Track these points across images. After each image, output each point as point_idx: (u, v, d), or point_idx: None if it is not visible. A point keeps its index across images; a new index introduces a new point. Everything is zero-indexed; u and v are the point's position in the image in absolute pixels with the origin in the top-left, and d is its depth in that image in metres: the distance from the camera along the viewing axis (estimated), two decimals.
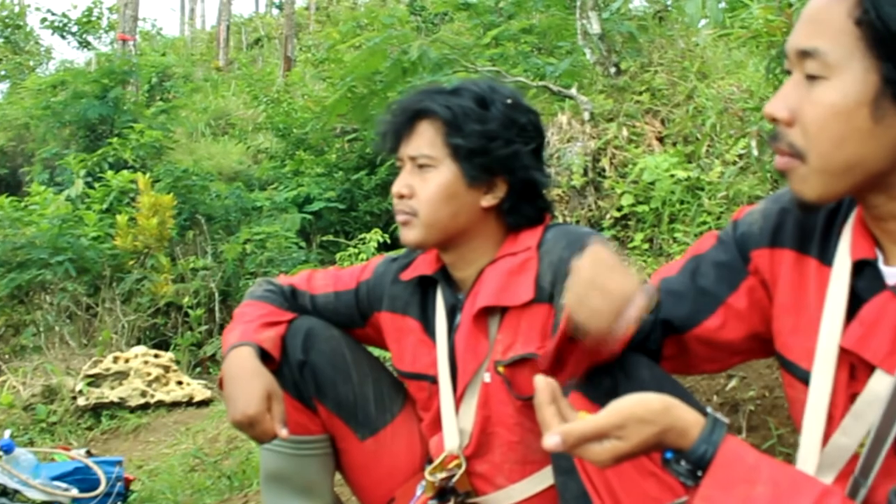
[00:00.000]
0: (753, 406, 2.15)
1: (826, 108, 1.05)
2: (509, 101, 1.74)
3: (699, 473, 1.05)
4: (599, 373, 1.35)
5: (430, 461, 1.83)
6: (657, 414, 1.06)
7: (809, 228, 1.26)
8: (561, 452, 1.42)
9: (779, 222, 1.31)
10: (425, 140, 1.74)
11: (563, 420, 1.09)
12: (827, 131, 1.06)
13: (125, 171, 7.39)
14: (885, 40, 1.01)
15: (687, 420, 1.07)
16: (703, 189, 3.19)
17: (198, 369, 5.85)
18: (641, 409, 1.06)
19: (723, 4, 4.27)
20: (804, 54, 1.07)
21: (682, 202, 3.22)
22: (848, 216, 1.21)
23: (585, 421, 1.07)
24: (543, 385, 1.12)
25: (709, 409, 1.10)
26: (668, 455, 1.09)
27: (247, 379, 1.68)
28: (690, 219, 3.15)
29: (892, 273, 1.13)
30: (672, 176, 3.24)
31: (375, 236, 6.09)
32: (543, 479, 1.71)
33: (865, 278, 1.16)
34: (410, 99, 1.78)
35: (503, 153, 1.71)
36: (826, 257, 1.22)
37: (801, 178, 1.10)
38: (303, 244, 7.27)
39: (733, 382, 2.23)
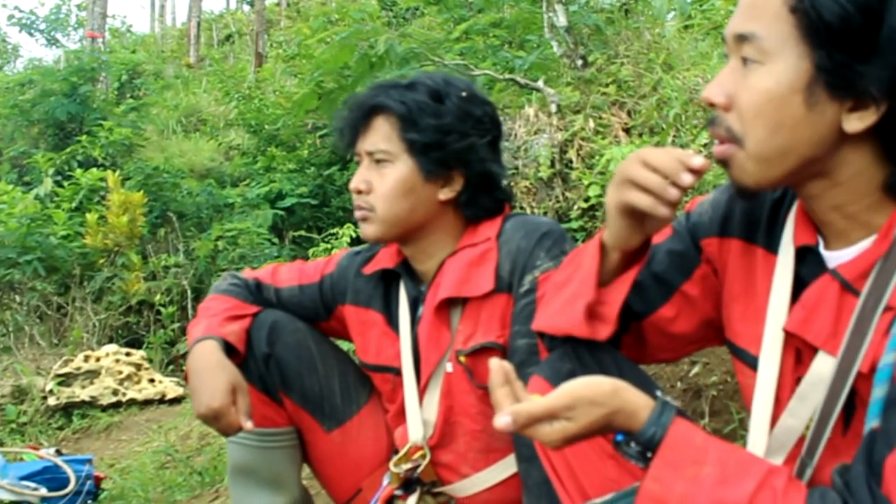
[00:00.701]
0: (716, 391, 2.19)
1: (761, 94, 1.07)
2: (464, 93, 1.75)
3: (649, 455, 1.07)
4: (561, 357, 1.37)
5: (397, 452, 1.84)
6: (606, 396, 1.08)
7: (756, 218, 1.29)
8: (522, 440, 1.46)
9: (727, 212, 1.33)
10: (381, 135, 1.75)
11: (515, 401, 1.10)
12: (762, 117, 1.08)
13: (94, 170, 7.33)
14: (817, 28, 1.02)
15: (636, 403, 1.09)
16: None
17: (171, 367, 5.82)
18: (591, 391, 1.08)
19: None
20: (741, 38, 1.09)
21: None
22: (792, 205, 1.24)
23: (536, 402, 1.09)
24: (497, 367, 1.13)
25: (658, 393, 1.12)
26: (619, 437, 1.11)
27: (211, 372, 1.69)
28: None
29: (832, 257, 1.15)
30: None
31: (348, 231, 6.08)
32: (507, 466, 1.73)
33: (808, 264, 1.19)
34: (366, 94, 1.79)
35: (459, 146, 1.72)
36: (772, 246, 1.25)
37: (740, 165, 1.12)
38: (275, 240, 7.24)
39: (696, 368, 2.26)
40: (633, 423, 1.08)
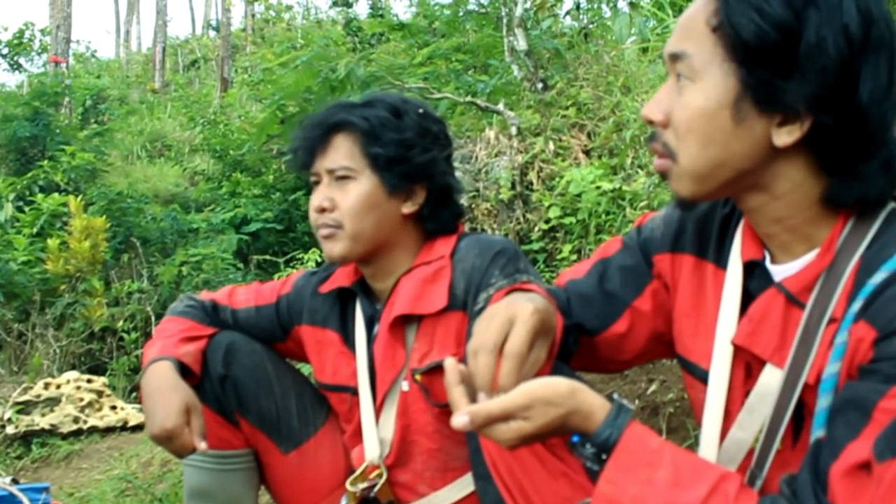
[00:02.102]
0: (673, 408, 2.20)
1: (692, 110, 1.10)
2: (420, 110, 1.78)
3: (603, 457, 1.08)
4: None
5: (354, 472, 1.83)
6: (563, 397, 1.08)
7: (707, 234, 1.31)
8: (478, 458, 1.46)
9: (679, 228, 1.36)
10: (343, 152, 1.75)
11: (472, 401, 1.11)
12: (693, 132, 1.10)
13: (56, 195, 7.26)
14: (736, 46, 1.05)
15: (592, 404, 1.10)
16: (627, 199, 3.26)
17: (135, 394, 5.75)
18: (548, 391, 1.09)
19: (652, 23, 4.39)
20: (675, 57, 1.12)
21: (607, 213, 3.28)
22: (740, 221, 1.26)
23: (493, 401, 1.09)
24: (451, 365, 1.14)
25: (615, 395, 1.13)
26: (575, 439, 1.11)
27: (165, 393, 1.67)
28: (616, 229, 3.21)
29: (778, 271, 1.17)
30: (598, 188, 3.30)
31: (313, 256, 6.06)
32: (464, 485, 1.73)
33: (756, 278, 1.21)
34: (324, 113, 1.80)
35: (421, 160, 1.75)
36: (722, 261, 1.27)
37: (676, 177, 1.15)
38: (240, 265, 7.20)
39: (654, 386, 2.28)
40: (589, 424, 1.09)
